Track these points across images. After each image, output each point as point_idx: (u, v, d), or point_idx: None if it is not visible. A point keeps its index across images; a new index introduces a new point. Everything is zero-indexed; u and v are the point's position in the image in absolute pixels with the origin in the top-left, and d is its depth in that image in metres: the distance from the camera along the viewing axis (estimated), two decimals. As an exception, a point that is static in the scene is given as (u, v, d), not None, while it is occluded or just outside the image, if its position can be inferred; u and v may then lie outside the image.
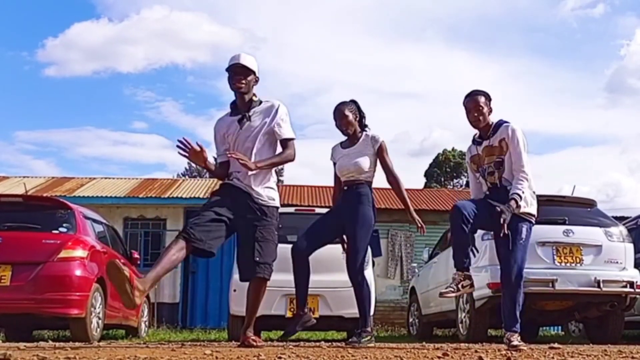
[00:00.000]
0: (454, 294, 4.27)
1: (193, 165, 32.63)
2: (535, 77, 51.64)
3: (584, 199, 7.41)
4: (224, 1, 56.76)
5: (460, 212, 4.24)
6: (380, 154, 4.86)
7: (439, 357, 3.36)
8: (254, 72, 4.29)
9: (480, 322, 6.67)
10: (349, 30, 52.99)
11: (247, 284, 4.36)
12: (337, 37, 54.29)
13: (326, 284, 5.85)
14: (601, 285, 6.38)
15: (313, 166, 54.53)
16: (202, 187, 15.40)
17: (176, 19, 54.22)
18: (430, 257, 9.27)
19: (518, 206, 4.22)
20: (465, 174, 34.91)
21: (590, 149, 57.72)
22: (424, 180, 41.04)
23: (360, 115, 4.96)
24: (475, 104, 4.44)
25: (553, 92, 52.68)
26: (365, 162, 4.82)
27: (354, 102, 4.98)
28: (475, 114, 4.43)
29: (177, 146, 4.08)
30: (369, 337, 4.73)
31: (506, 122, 4.44)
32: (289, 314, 6.61)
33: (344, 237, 4.83)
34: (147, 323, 8.44)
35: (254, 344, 4.14)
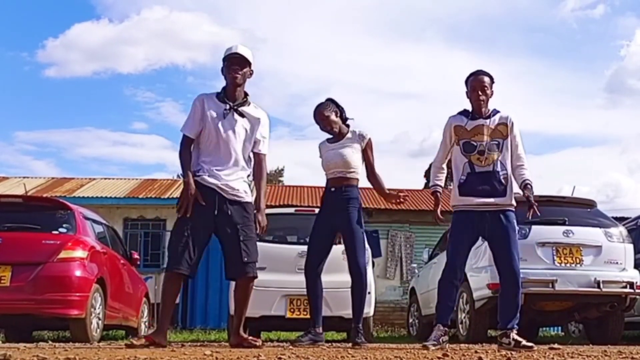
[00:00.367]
0: (434, 348, 4.20)
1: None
2: (535, 77, 51.56)
3: (583, 200, 7.41)
4: (224, 2, 56.71)
5: (455, 270, 4.26)
6: (366, 150, 4.86)
7: (438, 358, 3.36)
8: (249, 65, 4.26)
9: (480, 322, 6.67)
10: (348, 30, 52.98)
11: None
12: (336, 38, 54.29)
13: (326, 285, 5.79)
14: (601, 285, 6.38)
15: (313, 166, 54.55)
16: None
17: (176, 19, 54.10)
18: (430, 257, 9.27)
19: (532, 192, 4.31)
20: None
21: (590, 149, 57.63)
22: (424, 180, 41.04)
23: (340, 111, 4.96)
24: (481, 84, 4.39)
25: (553, 93, 52.59)
26: (352, 155, 4.82)
27: (330, 100, 4.99)
28: (480, 93, 4.37)
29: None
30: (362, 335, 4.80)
31: (499, 111, 4.44)
32: (288, 314, 6.61)
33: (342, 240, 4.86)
34: (147, 324, 8.44)
35: (255, 344, 4.13)
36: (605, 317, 6.87)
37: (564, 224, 6.70)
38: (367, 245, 6.78)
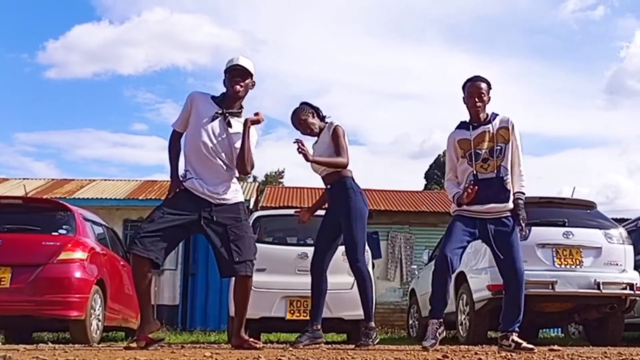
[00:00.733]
0: (435, 346, 4.17)
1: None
2: (535, 78, 51.72)
3: (583, 201, 7.40)
4: (224, 3, 56.85)
5: (448, 261, 4.20)
6: (332, 136, 4.78)
7: (438, 359, 3.36)
8: (251, 76, 4.25)
9: (480, 324, 6.67)
10: (348, 31, 53.07)
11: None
12: (336, 39, 54.38)
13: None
14: (601, 287, 6.38)
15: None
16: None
17: (177, 21, 54.27)
18: (430, 258, 9.27)
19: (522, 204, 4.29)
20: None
21: (590, 150, 57.77)
22: (424, 182, 41.06)
23: (316, 111, 4.95)
24: (478, 90, 4.35)
25: (553, 93, 52.75)
26: (326, 151, 4.78)
27: (304, 103, 4.97)
28: (476, 100, 4.34)
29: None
30: (375, 334, 4.74)
31: (498, 114, 4.42)
32: (288, 316, 6.61)
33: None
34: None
35: (255, 346, 4.12)
36: (605, 319, 6.87)
37: (563, 225, 6.70)
38: (367, 247, 6.81)
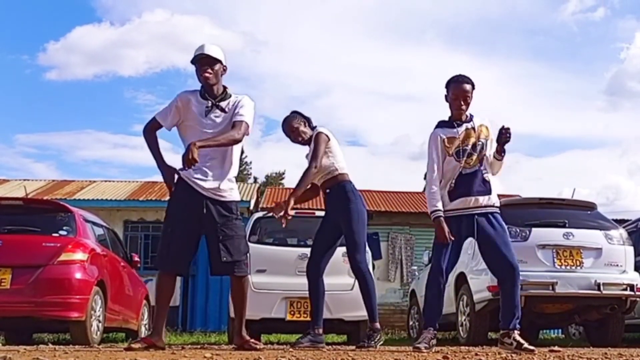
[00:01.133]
0: (426, 351, 4.15)
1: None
2: (535, 80, 51.64)
3: (584, 202, 7.41)
4: (225, 4, 56.82)
5: (443, 274, 4.20)
6: (313, 141, 4.76)
7: (439, 360, 3.36)
8: (220, 61, 4.23)
9: (480, 324, 6.67)
10: (349, 32, 53.06)
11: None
12: (337, 40, 54.38)
13: (326, 287, 5.79)
14: (601, 288, 6.37)
15: (313, 169, 54.34)
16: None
17: (177, 22, 54.25)
18: (430, 259, 9.26)
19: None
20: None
21: (590, 151, 57.73)
22: (424, 183, 41.06)
23: (307, 120, 4.95)
24: (464, 92, 4.32)
25: (553, 95, 52.66)
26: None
27: (295, 112, 4.97)
28: (462, 102, 4.32)
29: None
30: (379, 336, 4.73)
31: (473, 114, 4.43)
32: (289, 317, 6.61)
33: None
34: (147, 326, 8.43)
35: (255, 347, 4.12)
36: (605, 320, 6.87)
37: (564, 226, 6.70)
38: (367, 248, 6.81)
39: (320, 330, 4.80)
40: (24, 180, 17.02)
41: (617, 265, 6.64)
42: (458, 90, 4.33)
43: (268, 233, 7.38)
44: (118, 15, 57.43)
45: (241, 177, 31.53)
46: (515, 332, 4.17)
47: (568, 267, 6.51)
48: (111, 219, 12.41)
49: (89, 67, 57.83)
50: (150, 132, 4.28)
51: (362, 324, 5.85)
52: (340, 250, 4.98)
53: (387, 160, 58.46)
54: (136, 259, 8.31)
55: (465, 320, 6.94)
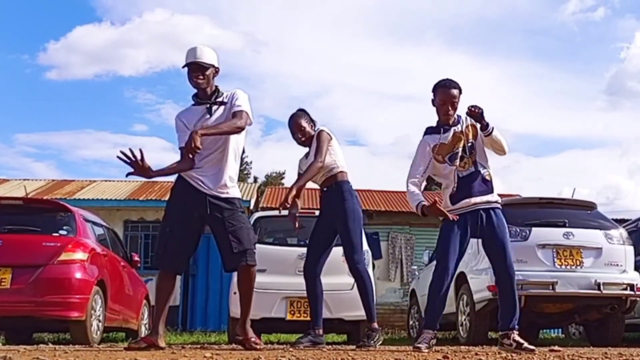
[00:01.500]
0: (426, 351, 4.14)
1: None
2: (535, 80, 51.58)
3: (584, 202, 7.41)
4: (225, 4, 56.77)
5: (448, 273, 4.18)
6: (316, 139, 4.79)
7: (439, 360, 3.36)
8: (212, 66, 4.25)
9: (480, 324, 6.67)
10: (349, 32, 53.01)
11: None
12: (337, 40, 54.35)
13: (326, 287, 5.79)
14: (601, 287, 6.38)
15: (313, 169, 54.27)
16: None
17: (177, 22, 54.17)
18: (431, 259, 9.27)
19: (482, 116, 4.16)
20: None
21: (590, 151, 57.69)
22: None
23: (313, 122, 4.98)
24: (451, 98, 4.30)
25: (553, 95, 52.62)
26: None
27: (304, 111, 4.99)
28: (449, 108, 4.31)
29: (119, 157, 3.96)
30: (378, 336, 4.73)
31: (460, 115, 4.41)
32: (289, 317, 6.61)
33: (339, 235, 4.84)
34: (147, 326, 8.43)
35: (256, 347, 4.13)
36: (605, 319, 6.87)
37: (564, 226, 6.70)
38: (367, 247, 6.81)
39: (321, 331, 4.81)
40: (24, 179, 17.02)
41: (617, 264, 6.64)
42: (445, 95, 4.31)
43: (268, 233, 7.38)
44: (118, 15, 57.45)
45: (241, 177, 31.51)
46: (514, 332, 4.17)
47: (568, 267, 6.51)
48: (111, 219, 12.41)
49: (89, 66, 57.83)
50: (190, 162, 4.17)
51: (362, 324, 5.84)
52: (340, 250, 4.98)
53: (387, 160, 58.47)
54: (136, 258, 8.31)
55: (465, 319, 6.94)
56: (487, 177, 4.33)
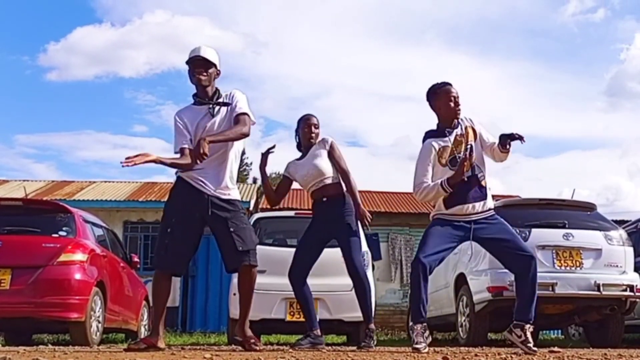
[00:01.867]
0: (426, 349, 4.11)
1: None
2: (536, 80, 51.57)
3: (583, 203, 7.41)
4: (226, 6, 56.75)
5: (422, 265, 4.12)
6: (331, 153, 4.88)
7: (438, 361, 3.35)
8: (214, 65, 4.25)
9: (480, 325, 6.66)
10: (349, 33, 53.01)
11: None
12: (337, 41, 54.33)
13: (325, 288, 5.85)
14: (601, 289, 6.37)
15: (313, 170, 54.28)
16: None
17: (178, 23, 54.20)
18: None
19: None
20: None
21: (590, 152, 57.74)
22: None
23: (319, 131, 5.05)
24: (455, 96, 4.31)
25: (553, 95, 52.62)
26: (323, 162, 4.86)
27: (314, 116, 5.05)
28: (456, 105, 4.31)
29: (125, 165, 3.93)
30: (375, 336, 4.79)
31: None
32: (288, 318, 6.61)
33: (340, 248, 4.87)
34: (147, 327, 8.43)
35: (255, 347, 4.12)
36: (605, 320, 6.86)
37: (564, 227, 6.70)
38: (367, 248, 6.81)
39: (318, 331, 4.82)
40: (24, 180, 17.02)
41: (617, 266, 6.64)
42: (449, 94, 4.31)
43: (268, 234, 7.38)
44: (118, 16, 57.43)
45: (241, 178, 31.48)
46: (528, 326, 4.12)
47: (568, 268, 6.51)
48: (111, 220, 12.40)
49: (90, 68, 57.83)
50: (189, 159, 4.15)
51: (361, 325, 5.82)
52: (340, 251, 4.99)
53: (387, 161, 58.54)
54: (136, 259, 8.31)
55: (465, 321, 6.94)
56: (483, 183, 4.31)
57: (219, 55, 4.31)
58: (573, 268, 6.52)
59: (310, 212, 5.10)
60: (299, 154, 5.05)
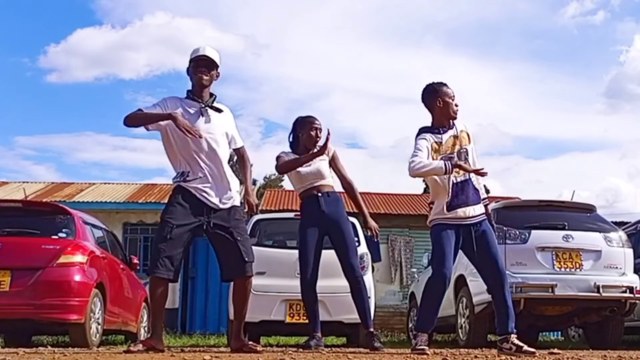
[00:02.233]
0: (429, 351, 4.09)
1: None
2: (535, 82, 51.58)
3: (583, 204, 7.41)
4: (226, 8, 56.75)
5: (447, 279, 4.16)
6: (333, 160, 4.97)
7: (438, 363, 3.35)
8: (217, 67, 4.25)
9: (479, 327, 6.67)
10: (348, 35, 53.04)
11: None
12: (336, 43, 54.36)
13: (325, 289, 5.80)
14: (601, 290, 6.38)
15: (313, 171, 54.27)
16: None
17: (178, 25, 54.16)
18: (430, 262, 9.27)
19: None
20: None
21: (590, 154, 57.70)
22: (423, 185, 41.06)
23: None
24: (452, 94, 4.34)
25: (553, 97, 52.62)
26: (324, 166, 4.95)
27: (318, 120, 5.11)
28: (456, 104, 4.33)
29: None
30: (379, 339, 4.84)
31: None
32: (288, 319, 6.61)
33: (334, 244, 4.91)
34: (146, 328, 8.42)
35: (254, 349, 4.12)
36: (605, 322, 6.87)
37: (563, 228, 6.70)
38: (366, 250, 6.81)
39: (320, 335, 4.88)
40: (24, 182, 17.01)
41: (617, 267, 6.65)
42: (448, 93, 4.34)
43: (267, 235, 7.38)
44: (119, 18, 57.36)
45: (241, 179, 31.48)
46: (513, 336, 4.17)
47: (567, 270, 6.52)
48: (110, 221, 12.39)
49: (90, 69, 57.78)
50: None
51: (361, 326, 5.82)
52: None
53: (387, 162, 58.47)
54: (135, 261, 8.31)
55: (464, 322, 6.94)
56: (477, 186, 4.34)
57: (220, 58, 4.31)
58: (573, 270, 6.52)
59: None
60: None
